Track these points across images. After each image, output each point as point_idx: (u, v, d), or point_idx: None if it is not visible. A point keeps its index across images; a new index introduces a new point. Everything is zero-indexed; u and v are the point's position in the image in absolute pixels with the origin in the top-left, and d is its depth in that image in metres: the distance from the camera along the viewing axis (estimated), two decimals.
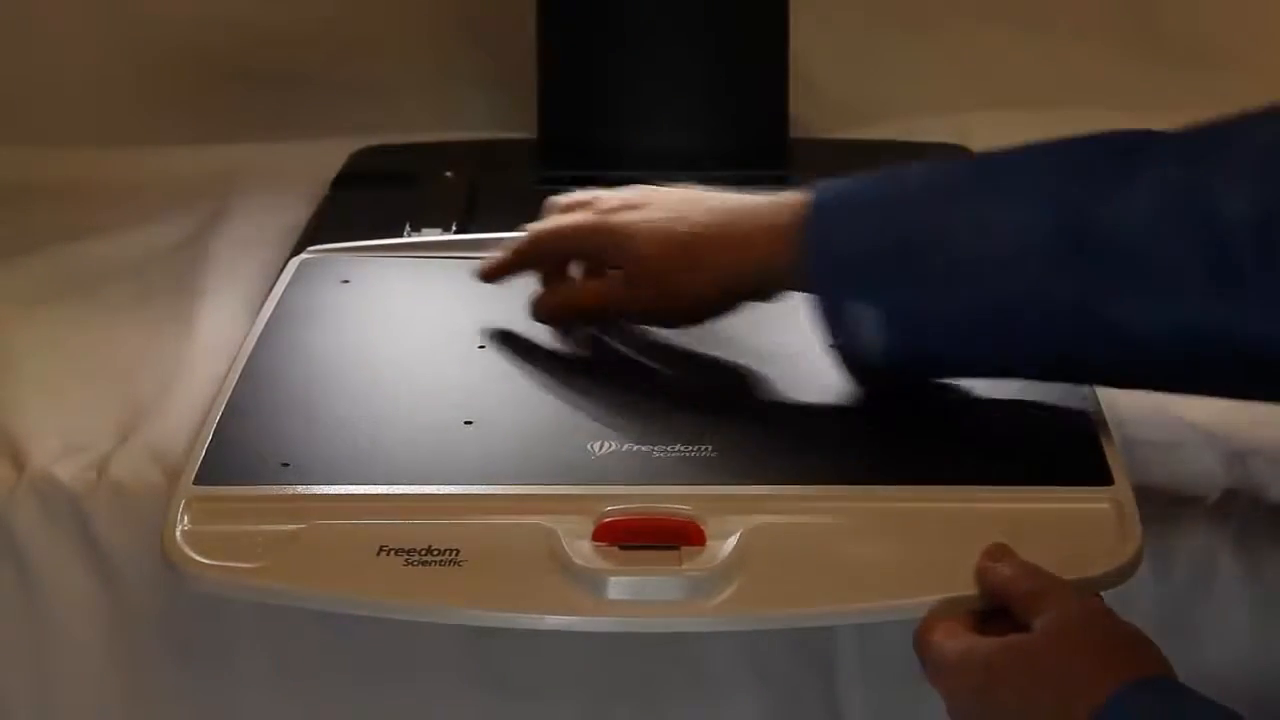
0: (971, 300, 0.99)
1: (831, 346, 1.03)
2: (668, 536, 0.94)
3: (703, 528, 0.94)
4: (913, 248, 1.00)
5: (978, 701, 0.87)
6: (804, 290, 1.03)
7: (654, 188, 1.11)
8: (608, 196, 1.11)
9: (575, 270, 1.13)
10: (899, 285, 1.00)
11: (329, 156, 1.45)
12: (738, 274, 1.05)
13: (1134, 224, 0.95)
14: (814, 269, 1.02)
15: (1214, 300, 0.93)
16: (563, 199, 1.14)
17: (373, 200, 1.38)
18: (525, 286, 1.15)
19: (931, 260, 0.99)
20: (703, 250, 1.06)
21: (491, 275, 1.15)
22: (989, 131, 1.48)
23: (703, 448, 1.00)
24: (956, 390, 1.04)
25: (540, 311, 1.13)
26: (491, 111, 1.55)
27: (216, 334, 1.21)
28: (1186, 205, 0.94)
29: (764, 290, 1.06)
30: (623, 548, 0.94)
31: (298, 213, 1.37)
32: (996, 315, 0.98)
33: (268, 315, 1.15)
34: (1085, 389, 1.03)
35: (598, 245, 1.10)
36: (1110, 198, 0.96)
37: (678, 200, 1.09)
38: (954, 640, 0.88)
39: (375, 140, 1.48)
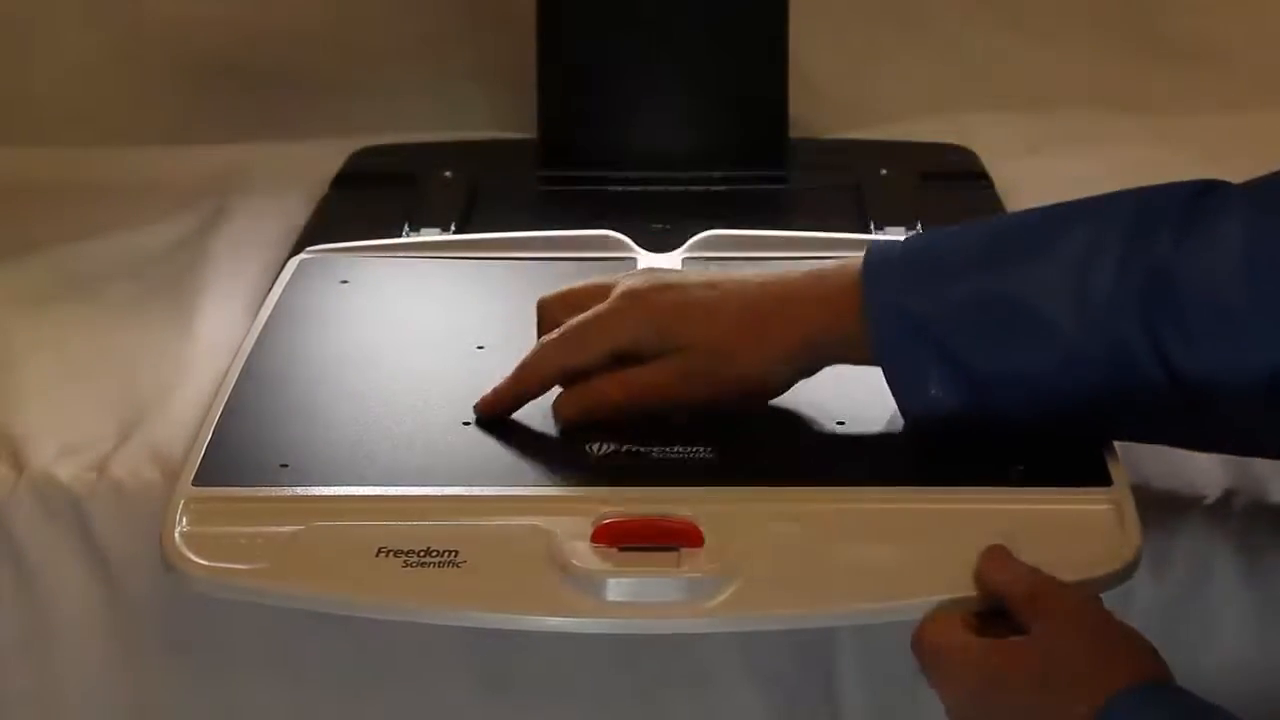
0: (1045, 359, 0.96)
1: (905, 412, 1.00)
2: (666, 538, 0.94)
3: (701, 529, 0.94)
4: (984, 307, 0.97)
5: (977, 704, 0.87)
6: (867, 359, 0.99)
7: (665, 269, 1.06)
8: (628, 281, 1.04)
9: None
10: (968, 345, 0.97)
11: (329, 156, 1.45)
12: (805, 347, 1.00)
13: (1216, 273, 0.93)
14: (880, 332, 0.98)
15: None
16: (564, 293, 1.06)
17: (372, 200, 1.38)
18: (525, 287, 1.15)
19: (1002, 318, 0.96)
20: (765, 326, 1.00)
21: (499, 403, 1.04)
22: (989, 131, 1.48)
23: (701, 449, 1.00)
24: None
25: (570, 412, 1.02)
26: (491, 111, 1.55)
27: (216, 334, 1.21)
28: (1271, 252, 0.92)
29: (829, 360, 1.02)
30: (621, 549, 0.93)
31: (297, 213, 1.37)
32: (1072, 372, 0.95)
33: (267, 315, 1.15)
34: None
35: (640, 333, 1.01)
36: (1188, 248, 0.94)
37: (709, 279, 1.03)
38: (953, 642, 0.88)
39: (375, 140, 1.48)
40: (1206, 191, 0.96)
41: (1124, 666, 0.85)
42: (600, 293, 1.03)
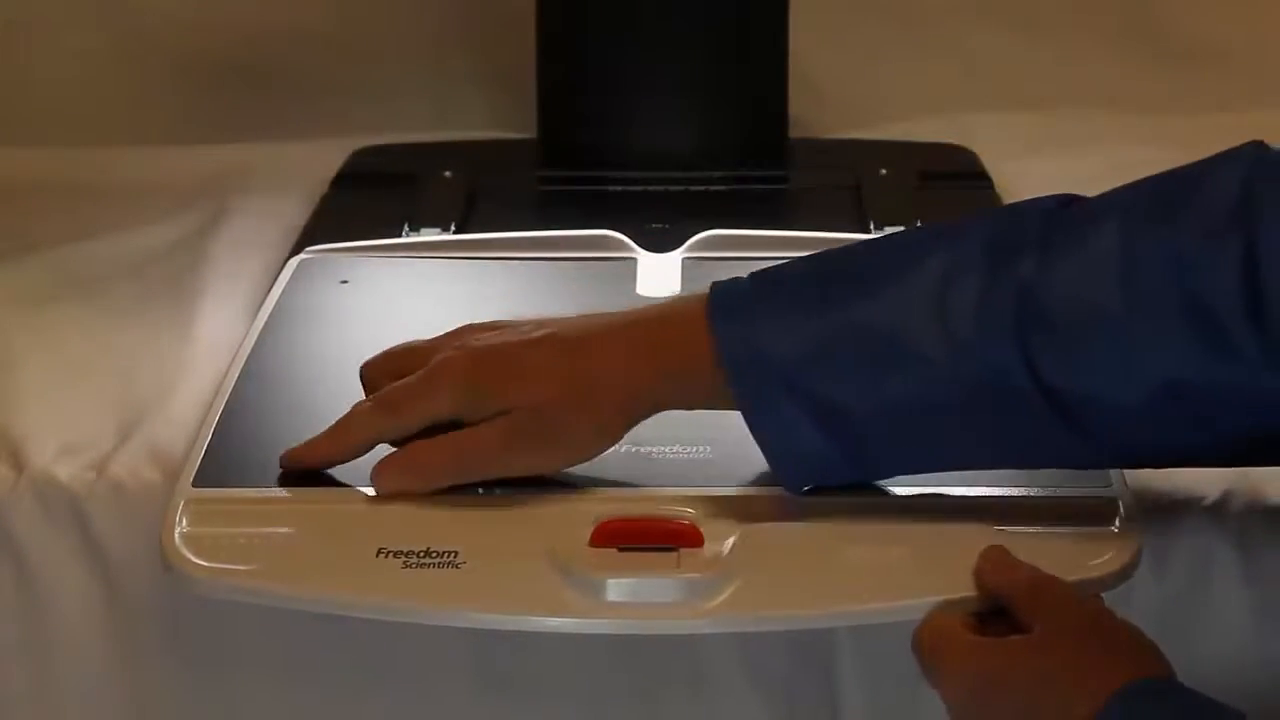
0: (918, 389, 0.91)
1: (778, 467, 0.95)
2: (666, 538, 0.94)
3: (700, 529, 0.94)
4: (841, 338, 0.92)
5: (979, 703, 0.86)
6: (722, 402, 0.95)
7: (489, 324, 1.00)
8: (450, 341, 0.99)
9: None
10: (828, 380, 0.92)
11: (329, 156, 1.45)
12: (643, 401, 0.96)
13: (1089, 281, 0.90)
14: (733, 370, 0.93)
15: (1201, 356, 0.88)
16: (385, 355, 1.01)
17: (372, 200, 1.38)
18: (525, 287, 1.15)
19: (870, 351, 0.92)
20: (595, 382, 0.95)
21: (307, 459, 0.98)
22: (989, 131, 1.48)
23: (700, 449, 1.00)
24: None
25: (388, 485, 0.96)
26: (491, 111, 1.55)
27: (216, 334, 1.21)
28: (1154, 264, 0.89)
29: (671, 408, 0.97)
30: (621, 549, 0.93)
31: (297, 213, 1.37)
32: (948, 400, 0.91)
33: (266, 315, 1.15)
34: None
35: (459, 398, 0.96)
36: (1054, 259, 0.91)
37: (539, 331, 0.97)
38: (954, 642, 0.88)
39: (375, 140, 1.48)
40: (1066, 204, 0.94)
41: (1126, 664, 0.85)
42: (421, 356, 0.99)
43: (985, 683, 0.86)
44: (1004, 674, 0.86)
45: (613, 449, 0.98)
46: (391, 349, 1.01)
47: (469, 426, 0.96)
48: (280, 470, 0.99)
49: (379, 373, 1.01)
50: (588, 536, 0.93)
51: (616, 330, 0.97)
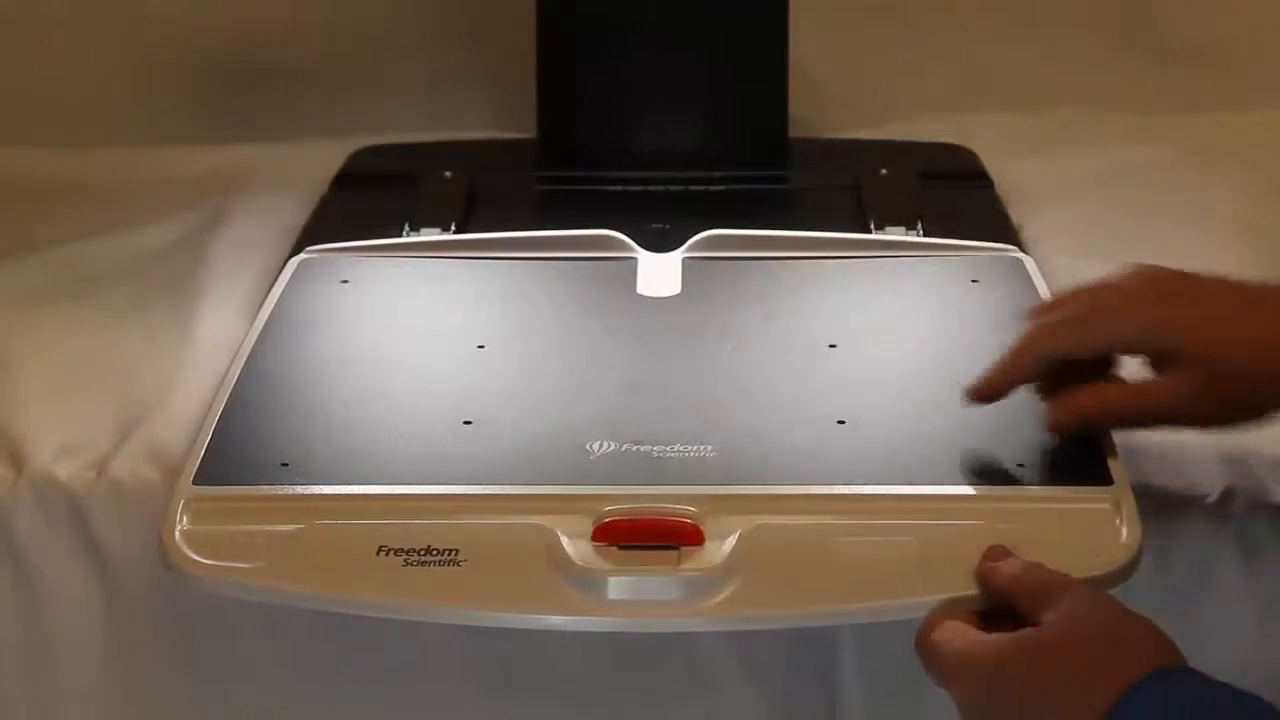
0: None
1: None
2: (667, 536, 0.94)
3: (701, 527, 0.94)
4: None
5: (990, 699, 0.86)
6: None
7: (1156, 269, 1.00)
8: (1097, 291, 0.99)
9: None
10: None
11: (329, 156, 1.45)
12: None
13: None
14: None
15: None
16: (1040, 306, 1.02)
17: (372, 200, 1.37)
18: (526, 286, 1.15)
19: None
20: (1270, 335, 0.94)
21: (990, 388, 1.00)
22: (989, 132, 1.48)
23: (701, 448, 1.00)
24: (957, 393, 1.04)
25: (1070, 416, 0.98)
26: (491, 111, 1.55)
27: (215, 334, 1.21)
28: None
29: None
30: (622, 547, 0.94)
31: (297, 213, 1.37)
32: None
33: (267, 315, 1.15)
34: None
35: (1142, 340, 0.97)
36: None
37: (1217, 290, 0.98)
38: (960, 640, 0.88)
39: (375, 140, 1.48)
40: None
41: (1139, 653, 0.84)
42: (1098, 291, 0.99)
43: (997, 680, 0.86)
44: (1016, 669, 0.85)
45: (615, 447, 0.98)
46: (1069, 290, 1.01)
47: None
48: (282, 466, 0.99)
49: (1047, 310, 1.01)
50: (589, 534, 0.94)
51: None
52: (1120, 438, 1.02)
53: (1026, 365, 0.99)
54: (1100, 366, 1.00)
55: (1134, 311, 0.98)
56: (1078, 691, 0.83)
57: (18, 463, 1.10)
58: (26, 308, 1.26)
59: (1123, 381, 0.99)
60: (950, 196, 1.36)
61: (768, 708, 1.11)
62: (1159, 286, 0.98)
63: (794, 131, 1.45)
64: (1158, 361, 0.97)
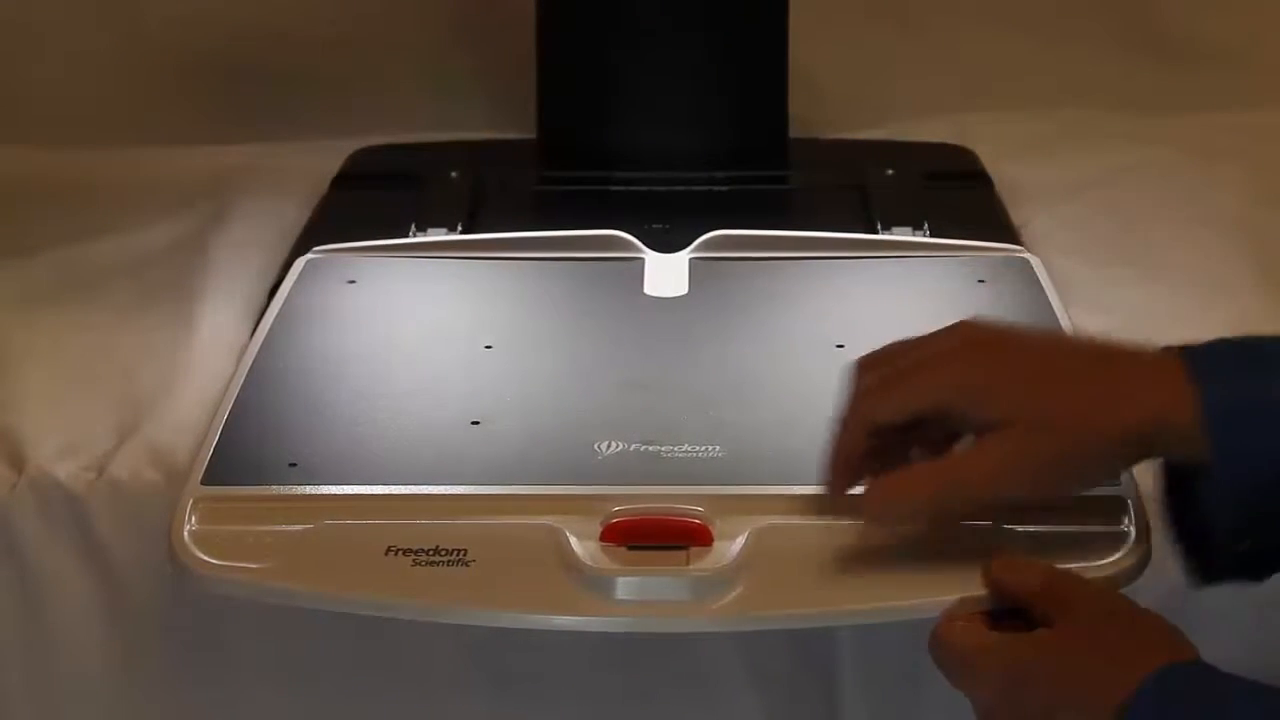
0: None
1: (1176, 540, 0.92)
2: (675, 537, 0.94)
3: (710, 528, 0.94)
4: None
5: (1009, 700, 0.86)
6: (1194, 456, 0.88)
7: (977, 325, 0.93)
8: (917, 347, 0.92)
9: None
10: None
11: (329, 156, 1.45)
12: (1137, 432, 0.88)
13: None
14: (1219, 426, 0.86)
15: None
16: (862, 361, 0.94)
17: (371, 200, 1.37)
18: (533, 286, 1.15)
19: None
20: (1094, 398, 0.88)
21: (841, 474, 0.93)
22: (989, 131, 1.48)
23: (710, 448, 1.00)
24: None
25: (889, 504, 0.91)
26: (491, 111, 1.55)
27: (216, 334, 1.21)
28: None
29: (1150, 455, 0.90)
30: (630, 548, 0.93)
31: (297, 213, 1.37)
32: None
33: (274, 315, 1.15)
34: None
35: (955, 404, 0.89)
36: None
37: (1042, 347, 0.92)
38: (975, 640, 0.88)
39: (375, 140, 1.48)
40: None
41: (1155, 649, 0.84)
42: (918, 346, 0.93)
43: (1014, 678, 0.86)
44: (1033, 667, 0.86)
45: (623, 447, 0.98)
46: (888, 345, 0.94)
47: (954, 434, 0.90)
48: (290, 466, 0.99)
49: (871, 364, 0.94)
50: (597, 534, 0.94)
51: (1102, 360, 0.90)
52: None
53: (857, 437, 0.92)
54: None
55: (948, 371, 0.90)
56: (1095, 688, 0.83)
57: (18, 463, 1.10)
58: (26, 308, 1.26)
59: (940, 456, 0.91)
60: (951, 197, 1.36)
61: (768, 707, 1.11)
62: (978, 345, 0.92)
63: (794, 131, 1.45)
64: (980, 428, 0.90)
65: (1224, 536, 0.89)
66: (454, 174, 1.40)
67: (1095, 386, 0.88)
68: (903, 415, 0.91)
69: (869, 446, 0.92)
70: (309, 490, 0.97)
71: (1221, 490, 0.87)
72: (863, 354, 0.94)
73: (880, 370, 0.92)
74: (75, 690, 1.12)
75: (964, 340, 0.92)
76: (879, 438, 0.92)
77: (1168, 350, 0.89)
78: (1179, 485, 0.92)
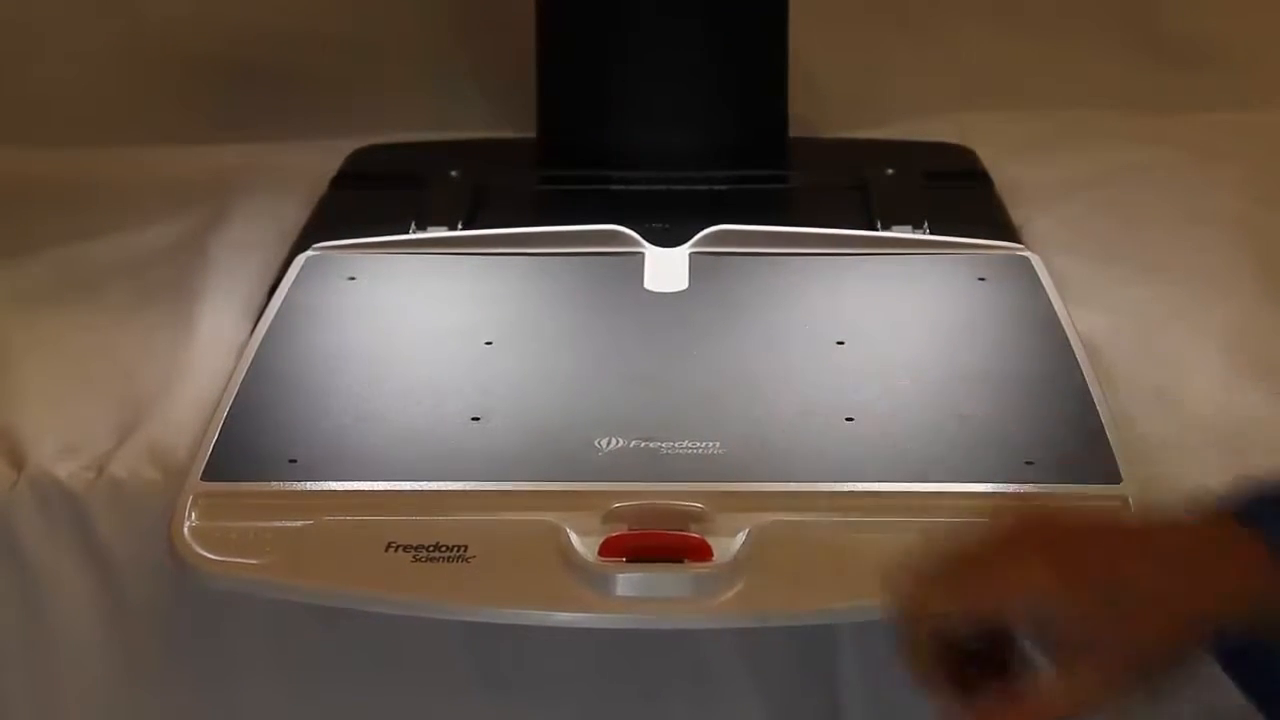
0: None
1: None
2: (673, 552, 0.94)
3: (709, 542, 0.94)
4: None
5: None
6: None
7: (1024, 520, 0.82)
8: (981, 552, 0.80)
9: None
10: None
11: (329, 156, 1.45)
12: (1229, 615, 0.80)
13: None
14: None
15: None
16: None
17: (370, 200, 1.37)
18: (533, 282, 1.15)
19: None
20: (1177, 612, 0.79)
21: (933, 684, 0.81)
22: (989, 131, 1.48)
23: (710, 444, 1.00)
24: (965, 390, 1.04)
25: None
26: (491, 111, 1.55)
27: (215, 333, 1.21)
28: None
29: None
30: (629, 561, 0.93)
31: (297, 213, 1.37)
32: None
33: (274, 311, 1.15)
34: (1095, 388, 1.04)
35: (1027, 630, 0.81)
36: None
37: (1079, 542, 0.81)
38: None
39: (375, 140, 1.48)
40: None
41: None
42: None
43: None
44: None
45: (623, 443, 0.98)
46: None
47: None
48: (291, 462, 0.99)
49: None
50: (598, 530, 0.93)
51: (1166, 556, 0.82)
52: (1124, 435, 1.02)
53: (932, 652, 0.81)
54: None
55: (1013, 573, 0.79)
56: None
57: (18, 463, 1.10)
58: (26, 308, 1.26)
59: (1017, 693, 0.81)
60: (951, 196, 1.36)
61: (768, 707, 1.11)
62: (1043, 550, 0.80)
63: (794, 131, 1.45)
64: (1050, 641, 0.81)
65: None
66: (454, 173, 1.40)
67: (1177, 599, 0.79)
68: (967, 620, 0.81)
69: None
70: (309, 486, 0.98)
71: None
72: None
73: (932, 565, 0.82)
74: (75, 690, 1.12)
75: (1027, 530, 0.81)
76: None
77: (1222, 517, 0.82)
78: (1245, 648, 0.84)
